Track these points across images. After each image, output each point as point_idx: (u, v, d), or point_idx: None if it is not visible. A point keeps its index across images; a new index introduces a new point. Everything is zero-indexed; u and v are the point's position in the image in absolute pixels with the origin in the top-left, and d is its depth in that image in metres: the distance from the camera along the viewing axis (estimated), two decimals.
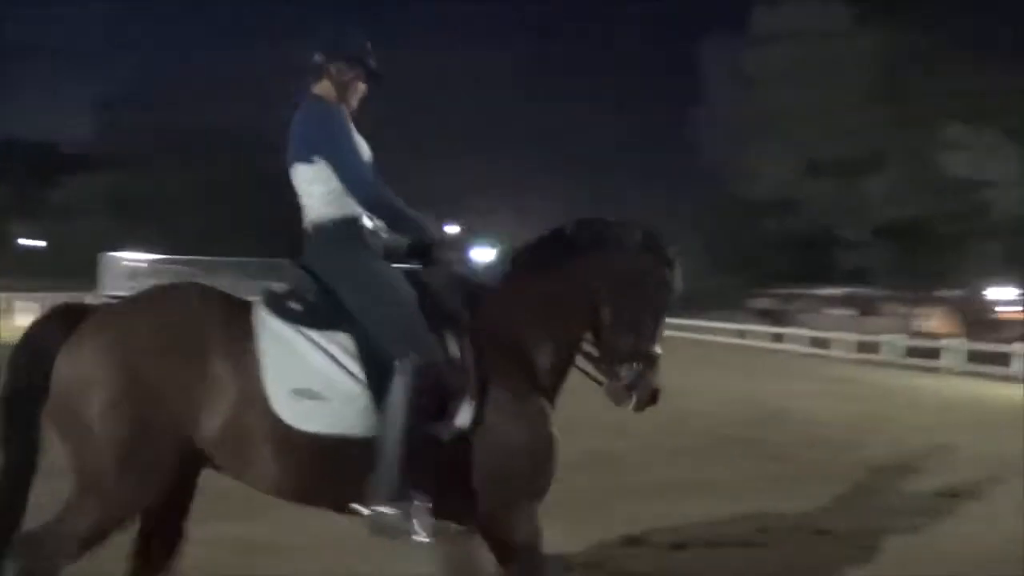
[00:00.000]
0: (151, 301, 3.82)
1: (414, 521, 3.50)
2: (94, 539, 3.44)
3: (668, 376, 4.01)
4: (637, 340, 3.88)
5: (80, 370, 3.43)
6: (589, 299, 3.91)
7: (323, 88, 3.98)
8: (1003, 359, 25.32)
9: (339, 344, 3.61)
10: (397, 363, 3.54)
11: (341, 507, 3.69)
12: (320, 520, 4.40)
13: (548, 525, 3.81)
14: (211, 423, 3.47)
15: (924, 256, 37.88)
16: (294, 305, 3.66)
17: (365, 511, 3.56)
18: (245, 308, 3.69)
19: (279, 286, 3.76)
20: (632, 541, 6.30)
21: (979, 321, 39.71)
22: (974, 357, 26.27)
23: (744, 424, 12.60)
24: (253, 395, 3.49)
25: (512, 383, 3.73)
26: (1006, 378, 23.92)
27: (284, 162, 3.93)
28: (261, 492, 3.74)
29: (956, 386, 21.73)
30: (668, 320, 4.11)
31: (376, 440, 3.52)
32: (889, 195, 36.31)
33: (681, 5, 66.61)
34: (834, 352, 32.09)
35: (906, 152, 35.98)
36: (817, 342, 34.31)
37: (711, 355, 29.52)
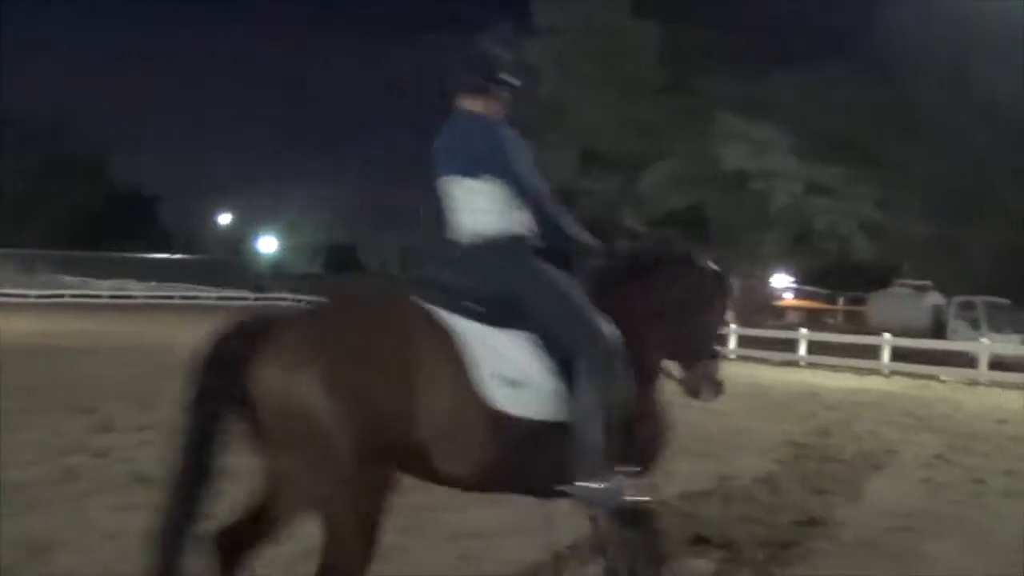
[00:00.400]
0: (338, 311, 3.93)
1: (625, 488, 3.87)
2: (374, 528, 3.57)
3: None
4: (708, 341, 4.67)
5: (294, 383, 3.46)
6: (675, 307, 4.46)
7: (477, 104, 4.21)
8: (778, 345, 26.32)
9: (524, 339, 3.89)
10: (586, 353, 3.85)
11: (533, 491, 4.15)
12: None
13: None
14: (429, 419, 3.62)
15: (704, 245, 39.15)
16: (473, 306, 3.85)
17: (573, 489, 3.84)
18: (425, 311, 3.84)
19: (448, 289, 3.96)
20: None
21: (758, 308, 41.35)
22: (749, 342, 27.12)
23: None
24: (465, 386, 3.69)
25: (643, 372, 4.20)
26: (788, 363, 24.90)
27: (428, 175, 4.30)
28: (452, 486, 3.97)
29: (736, 371, 22.29)
30: None
31: (573, 424, 3.81)
32: (669, 186, 37.04)
33: None
34: None
35: (686, 144, 36.77)
36: None
37: None
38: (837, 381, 20.21)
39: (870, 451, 10.12)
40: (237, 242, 73.90)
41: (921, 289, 35.83)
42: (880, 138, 34.01)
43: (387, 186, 69.58)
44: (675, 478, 8.11)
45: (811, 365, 24.49)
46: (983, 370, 21.41)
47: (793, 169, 34.58)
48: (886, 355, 23.21)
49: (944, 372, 22.00)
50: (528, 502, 4.17)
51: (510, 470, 3.85)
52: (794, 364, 24.85)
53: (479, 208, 4.08)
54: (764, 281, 42.49)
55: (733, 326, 29.36)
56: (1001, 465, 9.64)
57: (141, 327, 27.50)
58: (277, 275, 69.90)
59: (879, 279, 39.41)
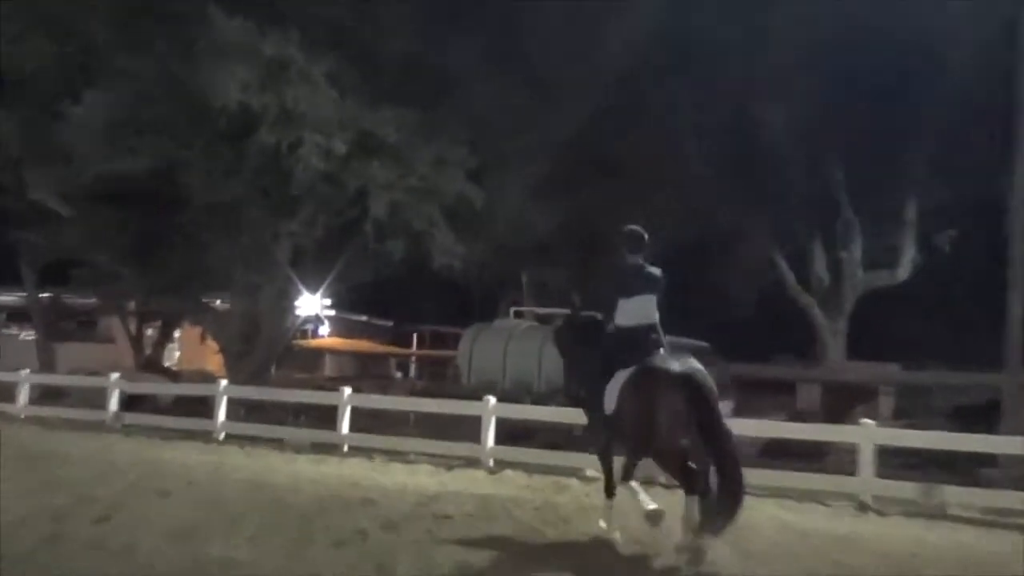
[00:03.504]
0: (666, 373, 13.96)
1: None
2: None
3: None
4: None
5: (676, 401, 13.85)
6: None
7: (633, 258, 15.21)
8: (309, 415, 27.12)
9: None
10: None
11: None
12: None
13: None
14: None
15: (180, 240, 37.03)
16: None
17: None
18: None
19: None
20: None
21: (276, 352, 40.33)
22: (255, 411, 28.33)
23: None
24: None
25: None
26: (325, 447, 24.51)
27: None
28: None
29: (221, 459, 22.38)
30: None
31: None
32: (110, 133, 33.62)
33: None
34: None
35: (144, 61, 34.20)
36: None
37: None
38: (409, 478, 20.22)
39: None
40: None
41: (552, 320, 35.52)
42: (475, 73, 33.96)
43: None
44: None
45: (363, 451, 24.05)
46: None
47: (332, 112, 33.06)
48: (491, 436, 23.00)
49: (592, 463, 21.36)
50: None
51: None
52: (335, 449, 24.36)
53: (653, 309, 14.90)
54: (286, 305, 41.14)
55: (224, 383, 28.04)
56: None
57: None
58: None
59: (482, 304, 39.64)
